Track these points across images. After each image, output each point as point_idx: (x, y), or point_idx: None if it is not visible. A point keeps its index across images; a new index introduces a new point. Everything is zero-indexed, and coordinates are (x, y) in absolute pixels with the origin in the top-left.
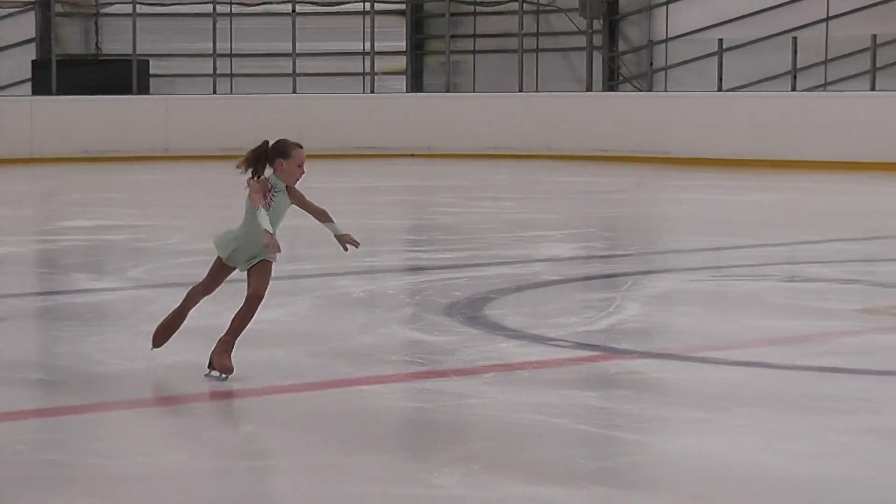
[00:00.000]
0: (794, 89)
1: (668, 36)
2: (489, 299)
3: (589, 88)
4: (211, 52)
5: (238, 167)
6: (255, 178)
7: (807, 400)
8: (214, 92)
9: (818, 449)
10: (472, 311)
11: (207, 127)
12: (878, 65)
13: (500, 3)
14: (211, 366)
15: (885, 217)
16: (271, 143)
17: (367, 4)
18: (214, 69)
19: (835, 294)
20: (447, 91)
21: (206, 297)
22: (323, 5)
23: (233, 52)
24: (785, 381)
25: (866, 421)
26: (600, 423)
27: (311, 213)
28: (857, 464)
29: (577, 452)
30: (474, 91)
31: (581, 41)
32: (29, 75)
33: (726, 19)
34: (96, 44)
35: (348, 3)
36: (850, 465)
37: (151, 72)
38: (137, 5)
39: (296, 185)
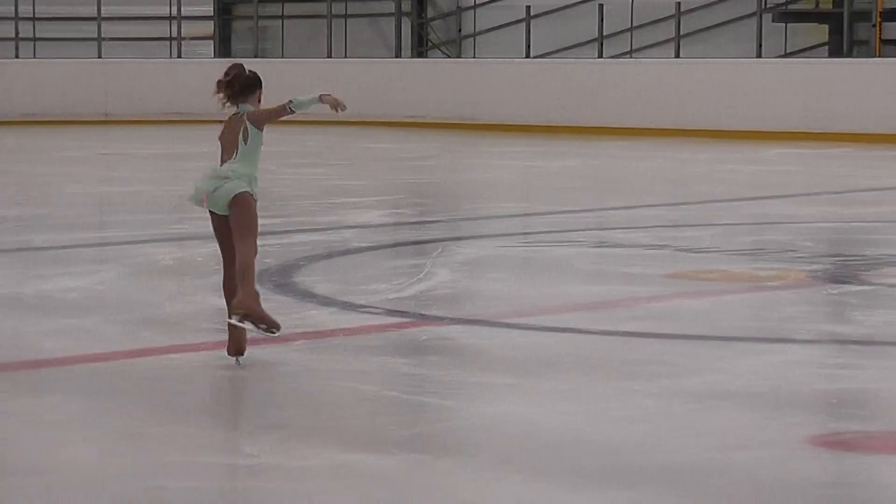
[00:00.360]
0: (600, 56)
1: (477, 2)
2: (299, 266)
3: (398, 55)
4: (13, 15)
5: (223, 100)
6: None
7: (616, 364)
8: (17, 56)
9: (627, 412)
10: (282, 279)
11: (8, 91)
12: (681, 32)
13: None
14: (250, 321)
15: (690, 183)
16: (240, 70)
17: None
18: (17, 32)
19: (642, 259)
20: (255, 56)
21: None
22: None
23: (35, 15)
24: (594, 345)
25: (673, 384)
26: (411, 389)
27: (278, 118)
28: (665, 426)
29: (387, 419)
30: (283, 57)
31: (390, 7)
32: None
33: None
34: None
35: None
36: (658, 427)
37: None
38: None
39: None
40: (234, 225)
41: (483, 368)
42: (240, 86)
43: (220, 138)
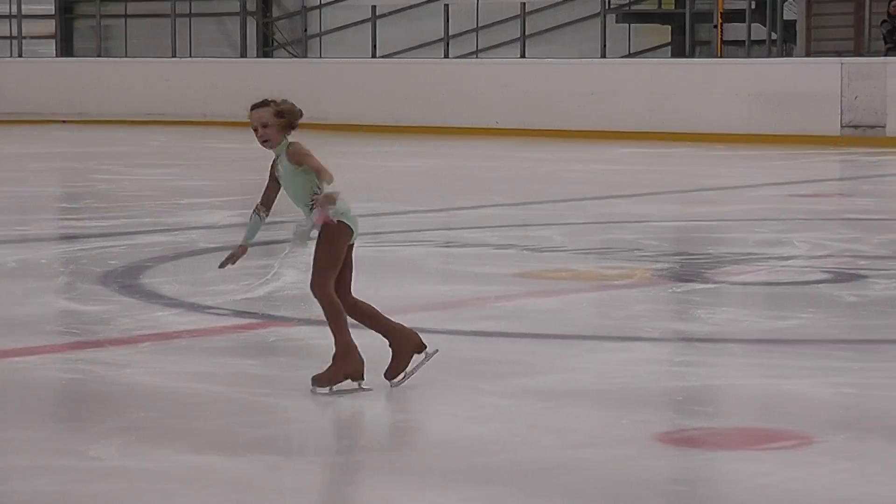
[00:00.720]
0: (446, 56)
1: (322, 2)
2: (145, 268)
3: (243, 54)
4: None
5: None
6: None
7: (464, 364)
8: None
9: (477, 412)
10: (128, 280)
11: None
12: (527, 32)
13: None
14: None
15: (537, 183)
16: (278, 103)
17: None
18: None
19: (490, 259)
20: (98, 56)
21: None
22: None
23: None
24: (443, 345)
25: (521, 383)
26: (260, 390)
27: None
28: (514, 425)
29: (237, 420)
30: (126, 56)
31: (235, 6)
32: None
33: None
34: None
35: None
36: (507, 426)
37: None
38: None
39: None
40: (350, 261)
41: None
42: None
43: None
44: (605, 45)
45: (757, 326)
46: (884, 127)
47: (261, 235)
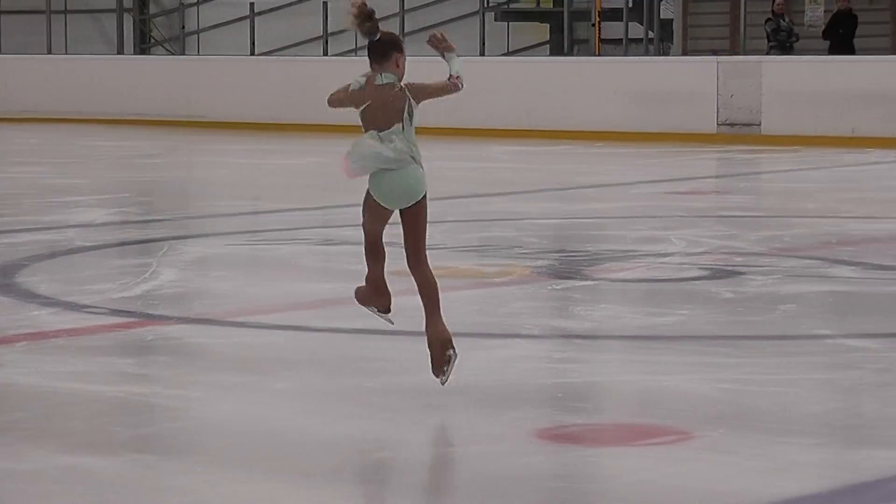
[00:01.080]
0: (325, 54)
1: None
2: (21, 266)
3: (120, 51)
4: None
5: (356, 25)
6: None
7: (345, 362)
8: None
9: (356, 409)
10: (3, 279)
11: None
12: (405, 30)
13: None
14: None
15: None
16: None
17: None
18: None
19: None
20: None
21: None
22: None
23: None
24: (323, 343)
25: (401, 380)
26: (138, 389)
27: (443, 95)
28: (394, 422)
29: (115, 420)
30: (1, 52)
31: (111, 3)
32: None
33: None
34: None
35: None
36: (387, 423)
37: None
38: None
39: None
40: (413, 232)
41: (211, 368)
42: (382, 49)
43: (363, 108)
44: (483, 44)
45: (635, 323)
46: (759, 125)
47: (138, 234)
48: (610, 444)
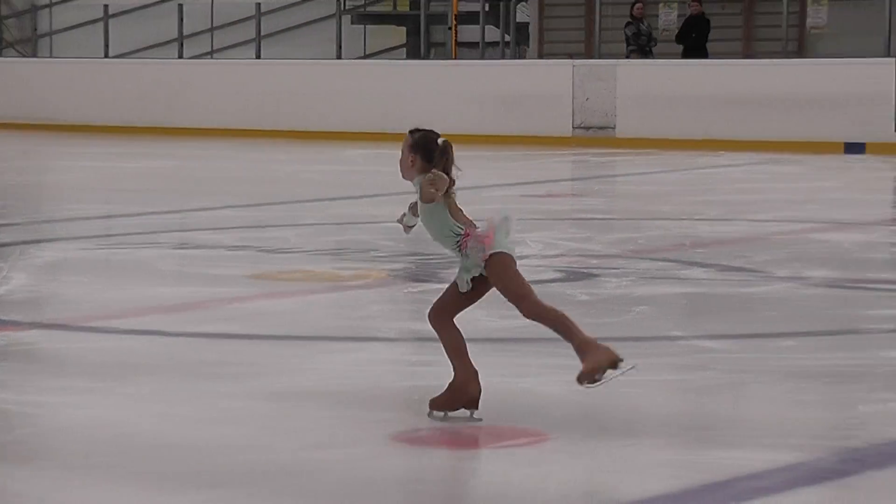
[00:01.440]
0: (180, 56)
1: (53, 1)
2: None
3: None
4: None
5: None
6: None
7: (199, 366)
8: None
9: (215, 414)
10: None
11: None
12: (262, 33)
13: None
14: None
15: (274, 184)
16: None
17: None
18: None
19: (225, 260)
20: None
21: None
22: None
23: None
24: (179, 348)
25: (257, 384)
26: None
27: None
28: (250, 427)
29: None
30: None
31: None
32: None
33: None
34: None
35: None
36: (243, 428)
37: None
38: None
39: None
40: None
41: (64, 373)
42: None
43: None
44: (340, 47)
45: (491, 325)
46: (613, 128)
47: None
48: (465, 447)
